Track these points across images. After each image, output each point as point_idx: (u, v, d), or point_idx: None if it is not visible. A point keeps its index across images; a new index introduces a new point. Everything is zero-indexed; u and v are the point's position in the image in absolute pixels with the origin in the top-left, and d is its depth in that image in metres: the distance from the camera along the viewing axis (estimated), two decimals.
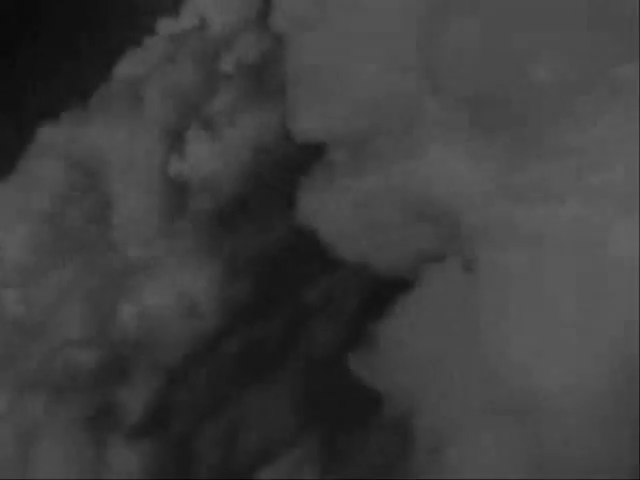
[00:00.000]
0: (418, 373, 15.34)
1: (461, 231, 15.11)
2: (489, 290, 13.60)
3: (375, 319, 22.18)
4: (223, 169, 43.35)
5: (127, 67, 47.05)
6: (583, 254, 12.57)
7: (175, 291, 37.44)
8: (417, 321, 15.85)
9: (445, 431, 15.58)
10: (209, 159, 42.97)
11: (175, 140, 39.82)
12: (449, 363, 15.01)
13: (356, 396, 20.97)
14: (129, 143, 38.21)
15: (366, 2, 16.22)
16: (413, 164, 16.58)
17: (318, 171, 20.71)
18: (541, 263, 13.07)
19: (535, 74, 12.37)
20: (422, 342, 15.58)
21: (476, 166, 14.83)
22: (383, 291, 23.71)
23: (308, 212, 21.10)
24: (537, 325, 13.32)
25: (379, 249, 19.72)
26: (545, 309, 13.22)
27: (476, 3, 12.70)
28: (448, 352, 15.05)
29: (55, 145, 40.52)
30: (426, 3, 13.92)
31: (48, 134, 41.36)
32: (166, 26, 50.32)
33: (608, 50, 12.33)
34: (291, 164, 36.84)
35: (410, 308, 16.07)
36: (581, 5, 12.03)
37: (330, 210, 20.32)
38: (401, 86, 16.02)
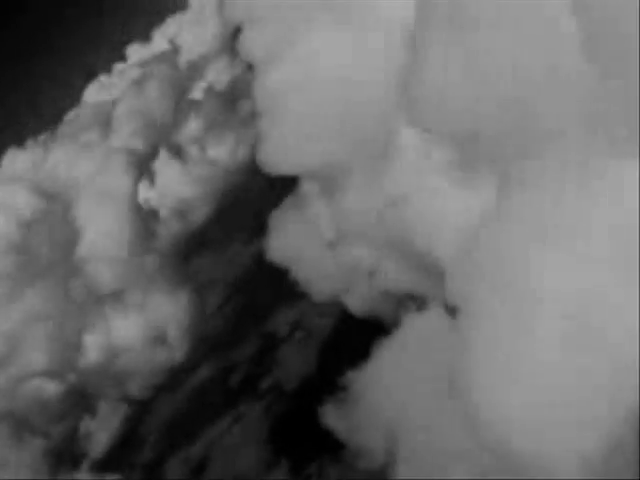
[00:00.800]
0: (396, 427, 14.00)
1: (444, 273, 13.73)
2: (474, 338, 12.22)
3: (347, 354, 20.91)
4: (193, 196, 42.26)
5: (97, 93, 45.93)
6: (577, 304, 11.21)
7: (143, 320, 35.98)
8: (395, 370, 14.52)
9: None
10: (178, 186, 41.84)
11: (144, 167, 38.45)
12: (430, 415, 13.66)
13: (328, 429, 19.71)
14: (97, 170, 36.75)
15: (342, 32, 14.92)
16: (391, 199, 15.22)
17: (289, 204, 19.36)
18: (531, 312, 11.69)
19: (524, 111, 11.07)
20: (400, 393, 14.22)
21: (460, 205, 13.50)
22: (355, 327, 22.47)
23: (278, 247, 19.70)
24: (525, 378, 11.92)
25: (354, 289, 18.36)
26: (534, 361, 11.84)
27: (460, 38, 11.42)
28: (429, 403, 13.68)
29: (22, 171, 39.02)
30: (407, 37, 12.62)
31: (15, 160, 39.95)
32: (137, 52, 49.28)
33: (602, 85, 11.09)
34: (262, 193, 35.66)
35: (388, 355, 14.73)
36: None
37: (302, 246, 18.95)
38: (378, 118, 14.70)
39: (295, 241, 19.11)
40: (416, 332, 14.86)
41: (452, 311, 13.61)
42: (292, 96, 15.94)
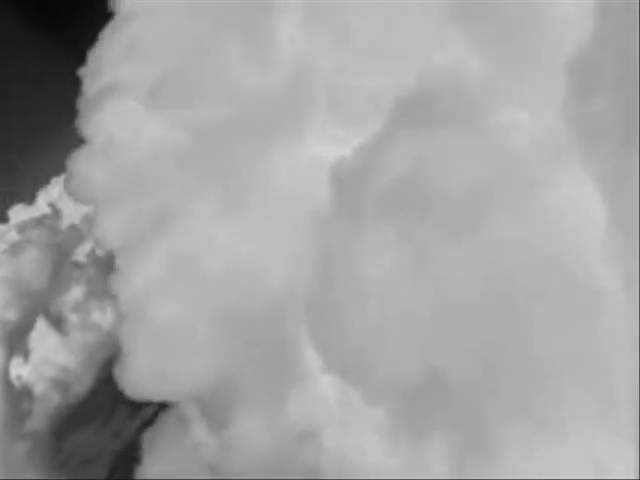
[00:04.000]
0: None
1: None
2: None
3: None
4: (73, 366, 36.36)
5: None
6: None
7: None
8: None
9: None
10: (58, 356, 35.91)
11: (18, 340, 32.52)
12: None
13: None
14: None
15: (233, 216, 10.21)
16: (296, 433, 10.25)
17: (167, 422, 14.12)
18: None
19: (506, 353, 6.47)
20: None
21: (390, 457, 8.62)
22: None
23: (157, 471, 14.30)
24: None
25: None
26: None
27: (405, 228, 6.83)
28: None
29: None
30: (319, 224, 8.02)
31: None
32: (20, 213, 43.84)
33: None
34: None
35: None
36: None
37: (182, 472, 13.64)
38: (279, 330, 9.89)
39: (173, 470, 13.79)
40: None
41: None
42: (162, 298, 11.05)
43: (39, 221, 39.27)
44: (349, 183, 8.03)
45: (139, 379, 11.24)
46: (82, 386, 36.44)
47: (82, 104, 12.27)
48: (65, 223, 39.01)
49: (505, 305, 6.55)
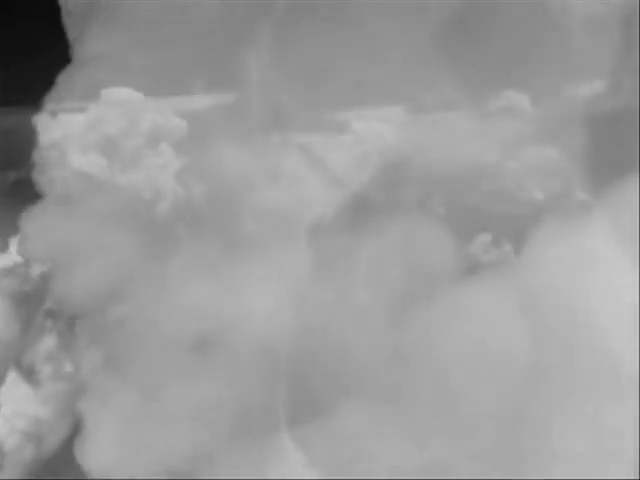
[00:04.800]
0: None
1: None
2: None
3: None
4: (47, 417, 34.84)
5: None
6: None
7: None
8: None
9: None
10: (31, 408, 34.40)
11: None
12: None
13: None
14: None
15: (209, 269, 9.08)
16: None
17: None
18: None
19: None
20: None
21: None
22: None
23: None
24: None
25: None
26: None
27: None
28: None
29: None
30: (299, 297, 6.88)
31: None
32: None
33: None
34: None
35: None
36: None
37: None
38: (254, 402, 8.70)
39: None
40: None
41: None
42: (127, 370, 9.93)
43: (10, 270, 38.00)
44: (331, 242, 6.97)
45: (103, 460, 10.04)
46: (56, 438, 34.89)
47: (37, 156, 11.18)
48: (35, 271, 37.76)
49: (514, 389, 5.49)
